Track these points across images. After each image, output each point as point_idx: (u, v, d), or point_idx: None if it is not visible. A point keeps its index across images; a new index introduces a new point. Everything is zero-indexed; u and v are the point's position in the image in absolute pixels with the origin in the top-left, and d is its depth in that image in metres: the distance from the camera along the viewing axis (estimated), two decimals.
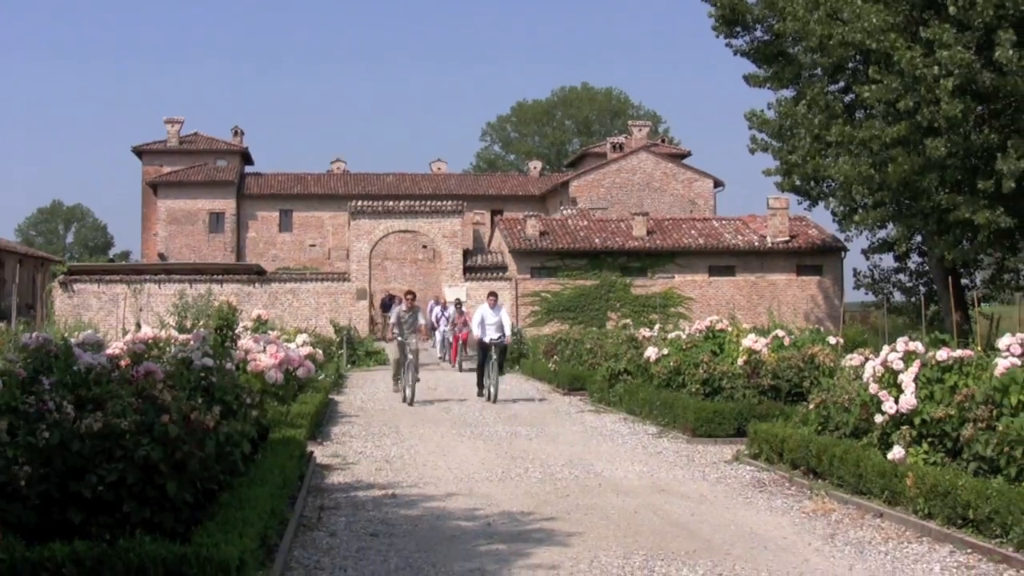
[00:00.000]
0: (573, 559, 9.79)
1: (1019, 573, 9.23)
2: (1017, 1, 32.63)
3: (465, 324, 38.07)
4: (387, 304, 46.18)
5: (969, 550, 9.98)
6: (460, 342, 38.62)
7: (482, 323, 26.27)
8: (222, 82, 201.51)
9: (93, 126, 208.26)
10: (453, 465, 15.57)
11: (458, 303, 41.01)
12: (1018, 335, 11.81)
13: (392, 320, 27.01)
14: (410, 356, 25.28)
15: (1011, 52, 32.68)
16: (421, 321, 26.88)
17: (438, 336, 43.48)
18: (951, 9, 33.88)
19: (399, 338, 25.81)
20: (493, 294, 27.59)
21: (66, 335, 13.33)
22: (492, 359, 25.77)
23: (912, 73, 34.35)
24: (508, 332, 26.81)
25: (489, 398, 25.58)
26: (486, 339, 25.99)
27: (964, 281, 45.34)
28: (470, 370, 32.82)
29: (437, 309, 43.71)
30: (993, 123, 35.62)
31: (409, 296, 26.52)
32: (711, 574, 9.32)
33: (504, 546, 10.32)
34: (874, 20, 35.11)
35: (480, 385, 26.60)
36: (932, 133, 35.28)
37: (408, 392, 25.02)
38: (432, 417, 22.25)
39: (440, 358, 42.18)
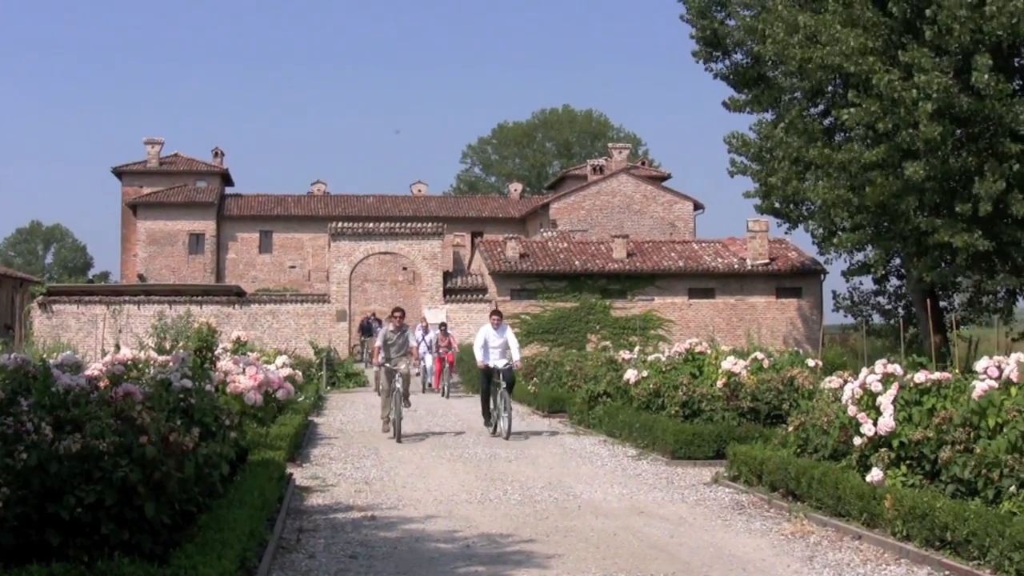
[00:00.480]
0: None
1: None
2: (993, 26, 32.83)
3: (449, 347, 37.38)
4: (367, 327, 45.31)
5: (947, 572, 10.01)
6: (446, 365, 36.69)
7: (485, 346, 23.04)
8: (203, 103, 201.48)
9: (73, 146, 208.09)
10: (432, 487, 15.56)
11: (443, 325, 39.67)
12: (995, 358, 11.86)
13: (378, 342, 23.40)
14: (398, 385, 22.32)
15: (987, 76, 32.88)
16: (412, 342, 24.32)
17: (426, 362, 38.82)
18: (928, 34, 34.09)
19: (386, 364, 22.81)
20: (497, 312, 24.29)
21: (45, 356, 13.28)
22: (500, 388, 22.58)
23: (891, 96, 34.53)
24: (516, 356, 23.24)
25: (497, 432, 22.61)
26: (490, 364, 22.88)
27: (943, 304, 45.51)
28: (457, 397, 32.37)
29: (419, 332, 39.16)
30: (971, 147, 35.79)
31: (397, 314, 23.31)
32: None
33: (483, 568, 10.32)
34: (852, 44, 35.29)
35: (486, 415, 23.42)
36: (911, 156, 35.43)
37: (393, 427, 22.25)
38: (411, 439, 22.22)
39: (428, 385, 38.04)
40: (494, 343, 23.02)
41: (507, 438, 21.80)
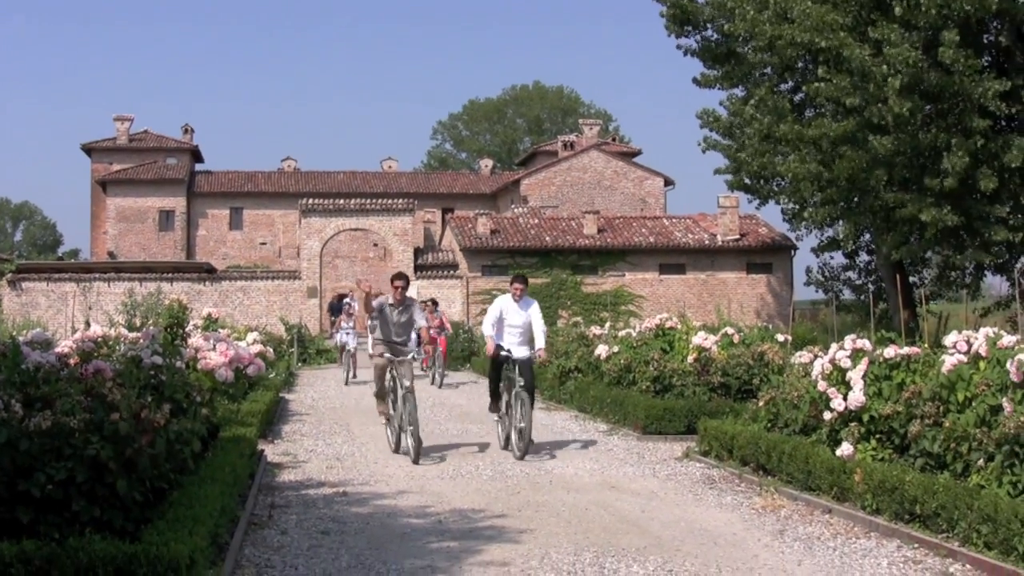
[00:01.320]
0: (524, 556, 9.80)
1: (964, 567, 9.32)
2: (961, 2, 32.92)
3: (441, 328, 32.63)
4: (336, 307, 43.28)
5: (916, 545, 10.07)
6: (437, 349, 30.53)
7: (499, 322, 16.75)
8: (173, 80, 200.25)
9: (41, 123, 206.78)
10: (404, 463, 15.54)
11: (433, 302, 35.46)
12: (964, 332, 11.92)
13: (372, 321, 17.07)
14: (406, 383, 15.95)
15: (953, 52, 33.03)
16: (421, 322, 17.01)
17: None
18: (897, 10, 34.17)
19: (386, 354, 16.45)
20: (521, 279, 17.29)
21: (14, 334, 13.24)
22: (515, 387, 16.21)
23: (861, 71, 34.63)
24: (542, 341, 16.96)
25: (509, 446, 16.52)
26: (504, 350, 16.62)
27: (912, 279, 45.75)
28: (452, 387, 29.09)
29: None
30: (940, 122, 35.90)
31: (399, 283, 16.79)
32: (661, 570, 9.35)
33: (455, 543, 10.32)
34: (824, 19, 35.36)
35: (495, 399, 17.19)
36: (879, 131, 35.56)
37: (411, 443, 15.69)
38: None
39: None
40: (514, 321, 16.74)
41: (521, 456, 15.86)
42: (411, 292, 39.87)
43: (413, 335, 17.25)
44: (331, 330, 42.52)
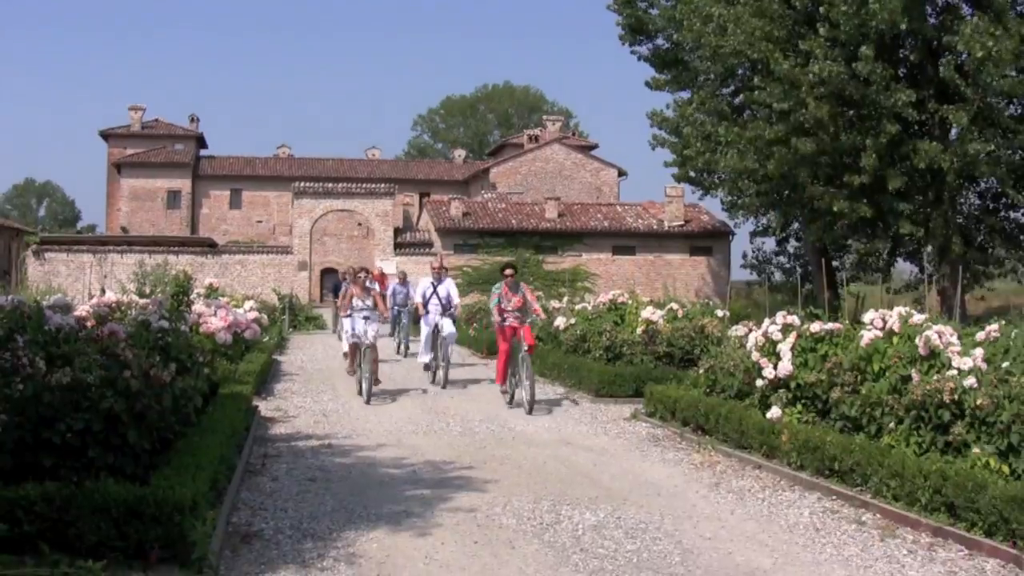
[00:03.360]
0: (489, 503, 9.84)
1: (875, 516, 9.43)
2: (876, 21, 33.09)
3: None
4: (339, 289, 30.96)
5: (834, 497, 10.17)
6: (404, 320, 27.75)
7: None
8: (182, 74, 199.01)
9: (64, 112, 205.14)
10: (383, 419, 15.54)
11: (403, 275, 29.96)
12: (880, 311, 12.02)
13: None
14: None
15: (868, 65, 33.29)
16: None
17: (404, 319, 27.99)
18: (820, 29, 34.36)
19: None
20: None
21: (38, 298, 13.14)
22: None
23: (789, 80, 34.80)
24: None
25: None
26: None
27: (835, 263, 46.02)
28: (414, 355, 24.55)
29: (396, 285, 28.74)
30: (861, 126, 36.09)
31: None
32: (611, 517, 9.41)
33: (428, 491, 10.35)
34: (756, 32, 35.50)
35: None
36: (805, 133, 35.74)
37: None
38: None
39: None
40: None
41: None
42: (391, 267, 37.40)
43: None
44: (338, 311, 27.44)
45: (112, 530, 7.19)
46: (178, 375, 9.67)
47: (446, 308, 20.53)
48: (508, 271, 17.92)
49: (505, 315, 17.38)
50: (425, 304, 20.83)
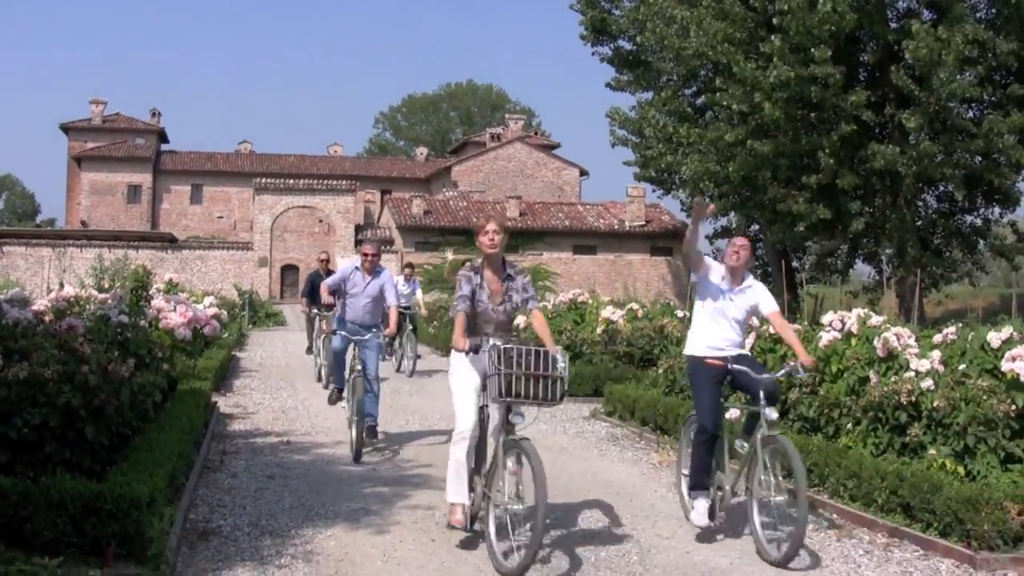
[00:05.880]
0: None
1: (832, 515, 9.48)
2: (830, 23, 33.35)
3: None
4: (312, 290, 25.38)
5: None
6: None
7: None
8: (144, 68, 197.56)
9: (25, 104, 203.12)
10: (342, 417, 15.46)
11: (410, 268, 26.08)
12: (839, 313, 12.08)
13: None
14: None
15: (823, 68, 33.53)
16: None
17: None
18: (773, 37, 34.53)
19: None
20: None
21: None
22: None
23: (750, 82, 34.95)
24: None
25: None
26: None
27: (794, 265, 46.25)
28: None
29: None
30: (820, 128, 36.34)
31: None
32: (569, 516, 9.41)
33: (386, 489, 10.32)
34: (717, 35, 35.65)
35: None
36: (764, 135, 35.93)
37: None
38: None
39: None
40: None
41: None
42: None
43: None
44: (312, 317, 21.98)
45: (68, 526, 7.11)
46: (137, 370, 9.61)
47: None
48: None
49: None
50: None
